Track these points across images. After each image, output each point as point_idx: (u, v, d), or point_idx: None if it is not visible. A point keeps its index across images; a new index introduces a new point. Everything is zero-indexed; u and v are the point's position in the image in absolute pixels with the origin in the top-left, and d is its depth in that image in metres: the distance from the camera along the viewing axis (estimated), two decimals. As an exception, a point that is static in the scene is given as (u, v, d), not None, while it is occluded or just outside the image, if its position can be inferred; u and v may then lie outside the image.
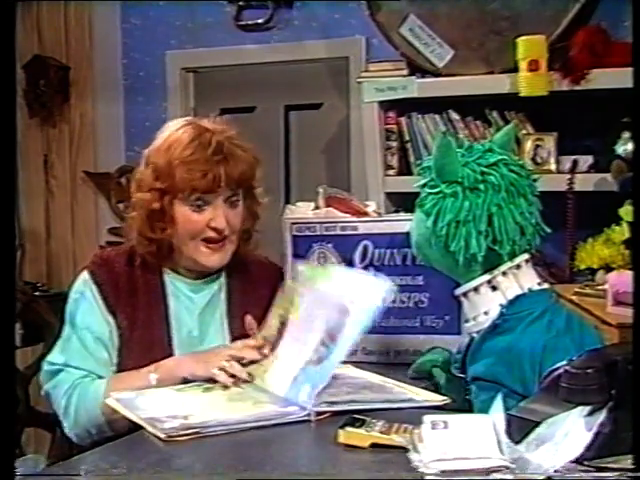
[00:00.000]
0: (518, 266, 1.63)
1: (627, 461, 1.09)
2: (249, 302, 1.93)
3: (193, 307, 1.91)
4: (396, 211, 2.79)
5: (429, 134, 3.25)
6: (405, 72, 3.20)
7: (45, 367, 1.88)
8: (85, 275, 1.90)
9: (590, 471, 1.09)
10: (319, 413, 1.45)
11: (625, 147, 2.74)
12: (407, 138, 3.31)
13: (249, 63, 3.97)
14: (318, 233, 2.03)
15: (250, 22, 3.95)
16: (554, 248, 2.89)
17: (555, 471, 1.09)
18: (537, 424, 1.16)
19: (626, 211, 2.53)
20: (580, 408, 1.14)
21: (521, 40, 2.93)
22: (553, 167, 3.08)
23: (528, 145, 3.10)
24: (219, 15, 4.00)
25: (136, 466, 1.27)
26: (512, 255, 1.62)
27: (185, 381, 1.70)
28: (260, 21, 3.93)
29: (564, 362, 1.20)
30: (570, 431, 1.12)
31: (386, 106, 3.28)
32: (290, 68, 3.95)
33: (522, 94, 2.95)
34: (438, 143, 1.64)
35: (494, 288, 1.63)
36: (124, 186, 4.13)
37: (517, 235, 1.60)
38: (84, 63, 4.27)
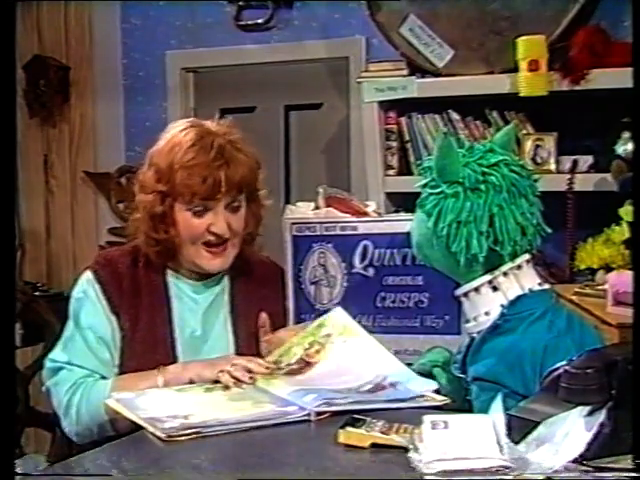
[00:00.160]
0: (519, 266, 1.64)
1: (627, 461, 1.09)
2: (252, 302, 1.93)
3: (196, 308, 1.91)
4: (396, 211, 2.79)
5: (429, 134, 3.25)
6: (405, 72, 3.20)
7: (47, 364, 1.88)
8: (89, 275, 1.89)
9: (590, 471, 1.09)
10: (319, 413, 1.45)
11: (625, 147, 2.74)
12: (407, 138, 3.31)
13: (249, 63, 3.97)
14: (318, 233, 2.03)
15: (250, 22, 3.95)
16: (554, 248, 2.89)
17: (555, 471, 1.09)
18: (537, 424, 1.16)
19: (626, 211, 2.53)
20: (580, 408, 1.14)
21: (521, 40, 2.93)
22: (553, 167, 3.08)
23: (528, 145, 3.10)
24: (219, 15, 4.00)
25: (136, 466, 1.27)
26: (513, 255, 1.62)
27: (190, 383, 1.70)
28: (260, 21, 3.93)
29: (564, 362, 1.20)
30: (570, 431, 1.12)
31: (386, 106, 3.28)
32: (290, 68, 3.95)
33: (522, 94, 2.95)
34: (439, 143, 1.64)
35: (495, 288, 1.63)
36: (124, 186, 4.13)
37: (518, 235, 1.60)
38: (84, 63, 4.27)
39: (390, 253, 2.00)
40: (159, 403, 1.55)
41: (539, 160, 3.09)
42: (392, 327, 1.98)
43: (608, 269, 2.58)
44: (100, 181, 4.26)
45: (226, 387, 1.64)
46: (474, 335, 1.65)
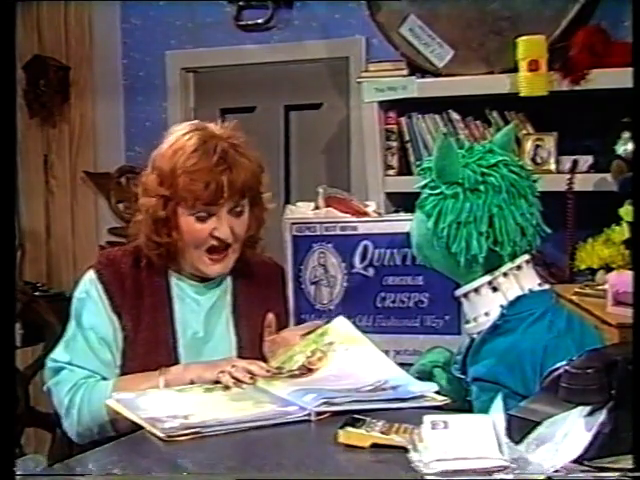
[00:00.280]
0: (519, 267, 1.64)
1: (627, 461, 1.09)
2: (255, 303, 1.93)
3: (199, 309, 1.90)
4: (396, 211, 2.79)
5: (429, 134, 3.25)
6: (405, 72, 3.19)
7: (49, 364, 1.87)
8: (91, 274, 1.89)
9: (590, 471, 1.09)
10: (319, 413, 1.45)
11: (625, 147, 2.74)
12: (407, 138, 3.31)
13: (249, 63, 3.97)
14: (318, 233, 2.03)
15: (250, 22, 3.95)
16: (554, 248, 2.89)
17: (555, 471, 1.09)
18: (537, 424, 1.16)
19: (626, 211, 2.53)
20: (580, 408, 1.14)
21: (521, 40, 2.93)
22: (553, 167, 3.08)
23: (528, 145, 3.10)
24: (219, 15, 4.00)
25: (136, 466, 1.27)
26: (513, 256, 1.62)
27: (191, 384, 1.70)
28: (260, 21, 3.93)
29: (564, 362, 1.20)
30: (570, 431, 1.12)
31: (386, 106, 3.27)
32: (290, 68, 3.94)
33: (522, 94, 2.95)
34: (439, 144, 1.64)
35: (495, 289, 1.63)
36: (124, 186, 4.13)
37: (518, 236, 1.60)
38: (84, 63, 4.27)
39: (390, 253, 2.00)
40: (159, 403, 1.55)
41: (539, 160, 3.09)
42: (392, 327, 1.99)
43: (608, 269, 2.58)
44: (100, 181, 4.26)
45: (226, 387, 1.64)
46: (474, 336, 1.66)
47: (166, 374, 1.74)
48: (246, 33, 3.98)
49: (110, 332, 1.84)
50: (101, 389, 1.78)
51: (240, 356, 1.83)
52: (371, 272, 2.01)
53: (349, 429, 1.31)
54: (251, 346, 1.88)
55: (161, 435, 1.37)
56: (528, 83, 2.93)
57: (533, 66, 2.91)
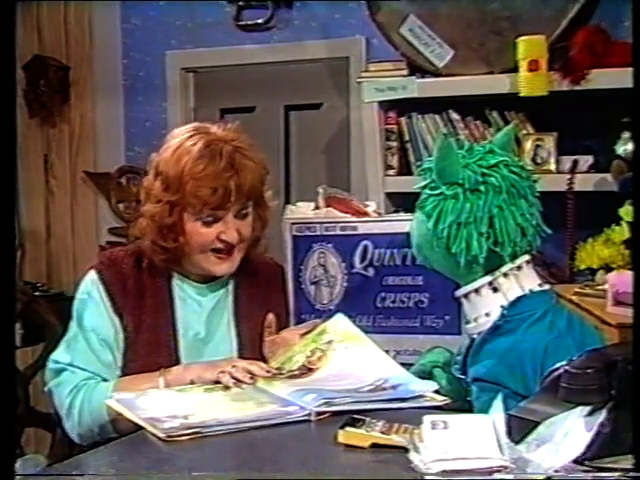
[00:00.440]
0: (519, 267, 1.64)
1: (627, 461, 1.09)
2: (256, 304, 1.93)
3: (200, 310, 1.90)
4: (396, 211, 2.79)
5: (429, 134, 3.25)
6: (405, 72, 3.19)
7: (50, 365, 1.87)
8: (93, 275, 1.88)
9: (590, 471, 1.09)
10: (319, 413, 1.46)
11: (625, 147, 2.74)
12: (407, 138, 3.30)
13: (249, 63, 3.97)
14: (318, 233, 2.04)
15: (250, 22, 3.95)
16: (554, 248, 2.89)
17: (555, 471, 1.09)
18: (537, 424, 1.16)
19: (626, 211, 2.53)
20: (580, 408, 1.14)
21: (521, 40, 2.93)
22: (553, 167, 3.07)
23: (528, 145, 3.10)
24: (219, 15, 4.00)
25: (136, 466, 1.27)
26: (513, 256, 1.62)
27: (191, 384, 1.70)
28: (260, 21, 3.93)
29: (564, 362, 1.20)
30: (570, 431, 1.12)
31: (386, 106, 3.27)
32: (290, 68, 3.94)
33: (522, 94, 2.95)
34: (439, 145, 1.64)
35: (495, 289, 1.63)
36: (124, 186, 4.13)
37: (518, 236, 1.60)
38: (84, 63, 4.27)
39: (390, 253, 2.00)
40: (159, 403, 1.55)
41: (539, 160, 3.08)
42: (392, 327, 1.99)
43: (608, 269, 2.58)
44: (100, 181, 4.26)
45: (226, 388, 1.64)
46: (474, 336, 1.66)
47: (166, 374, 1.74)
48: (246, 33, 3.97)
49: (111, 333, 1.84)
50: (101, 391, 1.78)
51: (241, 356, 1.83)
52: (371, 272, 2.01)
53: (349, 429, 1.31)
54: (252, 346, 1.88)
55: (161, 435, 1.37)
56: (528, 83, 2.93)
57: (533, 66, 2.91)
